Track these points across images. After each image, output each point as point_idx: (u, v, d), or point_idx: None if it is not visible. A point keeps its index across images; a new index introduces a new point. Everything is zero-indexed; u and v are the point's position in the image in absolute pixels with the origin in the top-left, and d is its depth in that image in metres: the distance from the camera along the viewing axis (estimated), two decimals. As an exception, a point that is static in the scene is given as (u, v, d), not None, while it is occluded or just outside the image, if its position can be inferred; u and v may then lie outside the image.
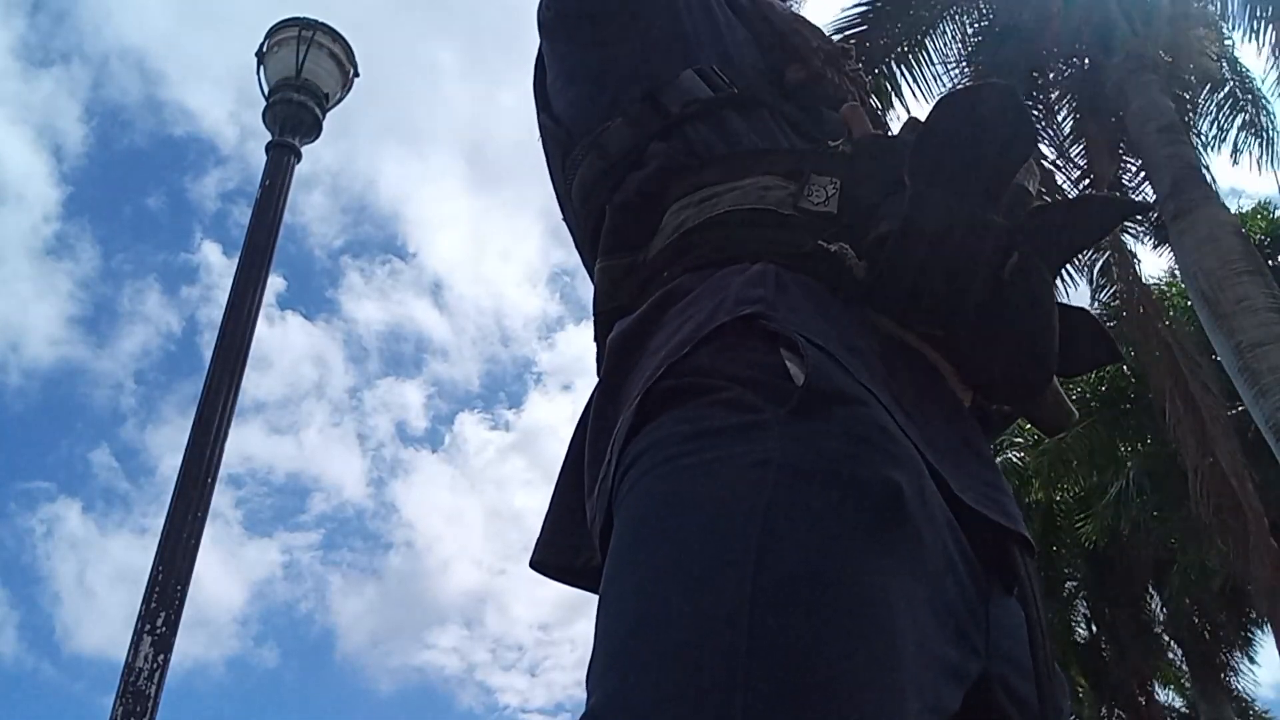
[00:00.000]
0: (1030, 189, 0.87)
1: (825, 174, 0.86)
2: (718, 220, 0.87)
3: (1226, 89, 9.31)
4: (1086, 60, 8.97)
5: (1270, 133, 9.30)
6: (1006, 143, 0.80)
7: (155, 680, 3.37)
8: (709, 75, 0.97)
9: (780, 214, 0.85)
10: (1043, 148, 9.13)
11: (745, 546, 0.61)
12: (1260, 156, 9.39)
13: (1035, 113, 9.15)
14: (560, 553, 0.86)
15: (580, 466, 0.84)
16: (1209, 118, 9.44)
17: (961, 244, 0.76)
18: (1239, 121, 9.35)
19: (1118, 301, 8.84)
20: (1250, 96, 9.28)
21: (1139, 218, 9.32)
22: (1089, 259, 9.28)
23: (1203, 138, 9.31)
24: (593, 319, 0.96)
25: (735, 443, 0.68)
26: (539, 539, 0.88)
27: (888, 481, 0.66)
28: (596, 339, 0.95)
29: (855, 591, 0.61)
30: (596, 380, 0.88)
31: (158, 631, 3.45)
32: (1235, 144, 9.41)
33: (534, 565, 0.88)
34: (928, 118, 0.82)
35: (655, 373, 0.75)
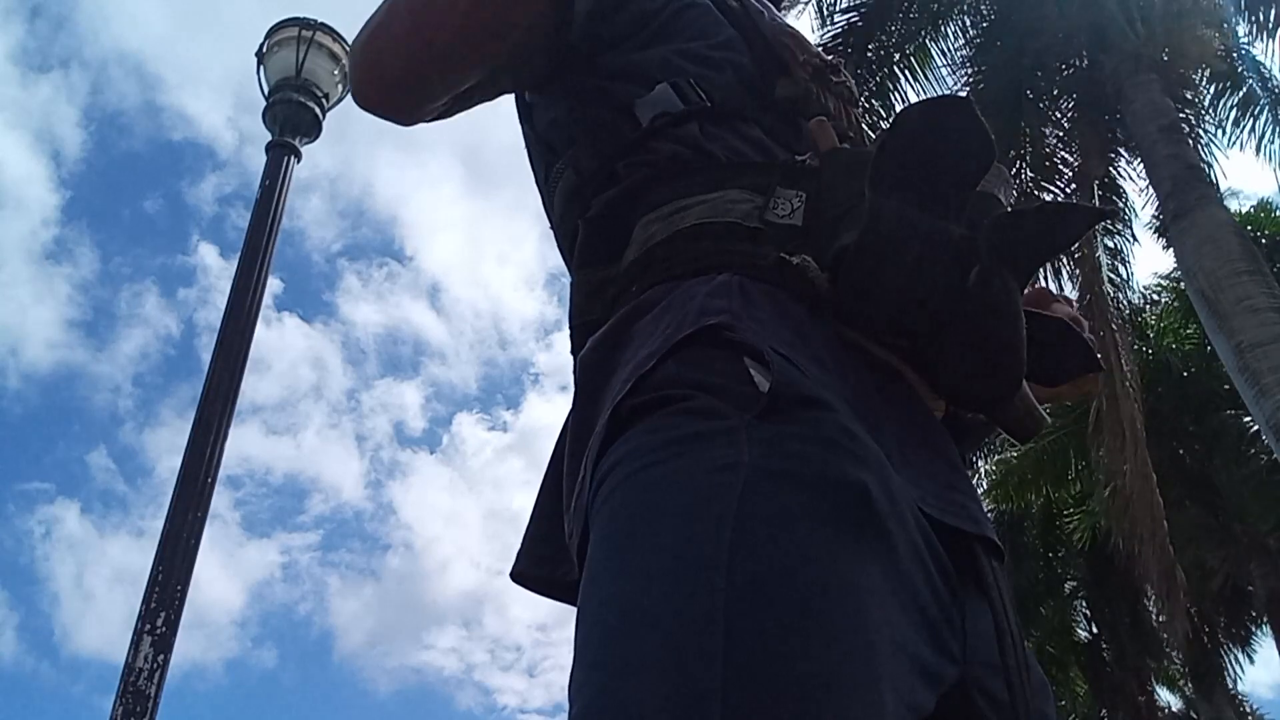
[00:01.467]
0: (1001, 197, 0.87)
1: (792, 187, 0.86)
2: (684, 233, 0.87)
3: (1245, 89, 9.25)
4: (1086, 60, 8.96)
5: None
6: (965, 155, 0.81)
7: (155, 680, 3.38)
8: (683, 88, 0.97)
9: (746, 227, 0.85)
10: (1041, 147, 9.15)
11: (717, 550, 0.62)
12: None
13: (1041, 106, 9.15)
14: (540, 564, 0.87)
15: (559, 480, 0.85)
16: (1226, 117, 9.38)
17: (920, 254, 0.76)
18: (1263, 119, 9.27)
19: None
20: (1272, 95, 9.21)
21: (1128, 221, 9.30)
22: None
23: (1219, 136, 9.26)
24: (569, 332, 0.97)
25: (703, 448, 0.68)
26: (520, 550, 0.89)
27: (855, 482, 0.66)
28: (573, 352, 0.95)
29: (828, 590, 0.61)
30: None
31: (158, 631, 3.45)
32: (1260, 141, 9.32)
33: (514, 577, 0.89)
34: (887, 130, 0.82)
35: (623, 388, 0.76)
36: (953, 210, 0.80)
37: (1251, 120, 9.29)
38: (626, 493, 0.70)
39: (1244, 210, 12.30)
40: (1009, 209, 0.87)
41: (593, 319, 0.91)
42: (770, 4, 1.17)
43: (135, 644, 3.42)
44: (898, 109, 8.95)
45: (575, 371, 0.90)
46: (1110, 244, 9.18)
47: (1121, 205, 9.30)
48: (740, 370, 0.73)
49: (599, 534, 0.71)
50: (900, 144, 0.79)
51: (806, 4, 9.11)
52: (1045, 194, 9.11)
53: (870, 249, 0.77)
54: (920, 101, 0.84)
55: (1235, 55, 9.07)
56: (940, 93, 9.13)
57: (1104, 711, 15.06)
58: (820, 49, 1.11)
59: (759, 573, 0.61)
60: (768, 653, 0.58)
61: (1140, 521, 8.11)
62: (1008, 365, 0.81)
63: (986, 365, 0.81)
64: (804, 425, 0.69)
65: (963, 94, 9.10)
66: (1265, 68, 9.10)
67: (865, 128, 1.09)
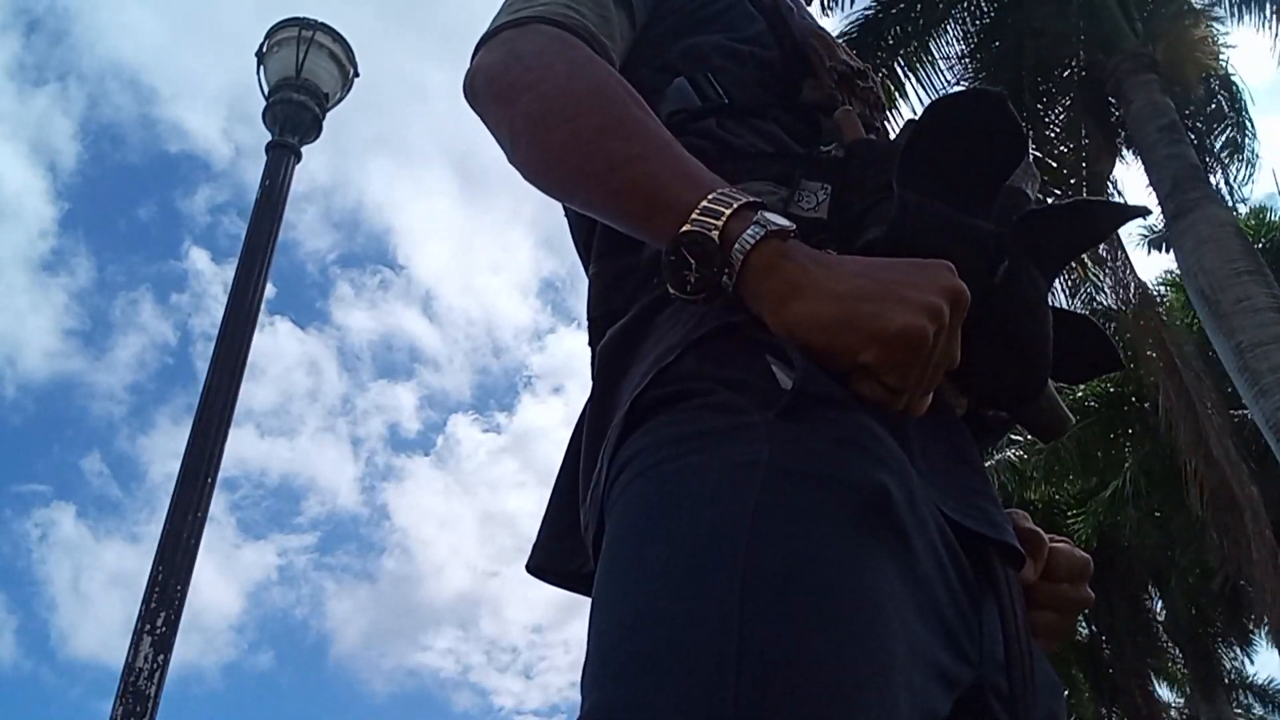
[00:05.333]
0: (1029, 192, 0.86)
1: (817, 179, 0.85)
2: None
3: (1214, 105, 9.31)
4: (1086, 60, 8.96)
5: (1250, 153, 9.31)
6: (995, 149, 0.80)
7: (155, 680, 3.37)
8: (700, 84, 0.95)
9: None
10: (1042, 147, 9.15)
11: (734, 547, 0.61)
12: (1238, 175, 9.40)
13: (1038, 108, 9.15)
14: (556, 557, 0.87)
15: (576, 473, 0.85)
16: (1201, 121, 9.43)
17: (948, 250, 0.75)
18: (1223, 139, 9.35)
19: (1118, 303, 8.84)
20: (1235, 114, 9.28)
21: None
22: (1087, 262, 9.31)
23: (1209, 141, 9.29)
24: (587, 324, 0.96)
25: (723, 445, 0.68)
26: (535, 543, 0.89)
27: (875, 484, 0.66)
28: (590, 344, 0.94)
29: (845, 592, 0.61)
30: (590, 385, 0.88)
31: (158, 631, 3.45)
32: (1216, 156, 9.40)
33: (530, 569, 0.89)
34: (917, 122, 0.80)
35: (643, 380, 0.75)
36: (982, 205, 0.79)
37: (1211, 139, 9.36)
38: (644, 486, 0.69)
39: (1239, 216, 12.31)
40: (1035, 204, 0.86)
41: (612, 310, 0.90)
42: (800, 1, 1.16)
43: (135, 644, 3.42)
44: (898, 108, 9.02)
45: (594, 362, 0.89)
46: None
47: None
48: (763, 367, 0.73)
49: (614, 527, 0.71)
50: (930, 137, 0.78)
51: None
52: (1049, 197, 9.13)
53: (898, 245, 0.75)
54: (952, 94, 0.83)
55: (1215, 74, 9.11)
56: (940, 91, 9.14)
57: (1104, 711, 15.06)
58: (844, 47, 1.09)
59: (775, 573, 0.60)
60: (781, 654, 0.57)
61: (1244, 512, 7.77)
62: (1035, 363, 0.81)
63: (1014, 363, 0.80)
64: (826, 425, 0.68)
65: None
66: (1236, 86, 9.16)
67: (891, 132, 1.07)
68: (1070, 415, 0.91)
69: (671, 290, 0.73)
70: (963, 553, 0.73)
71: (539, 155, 0.85)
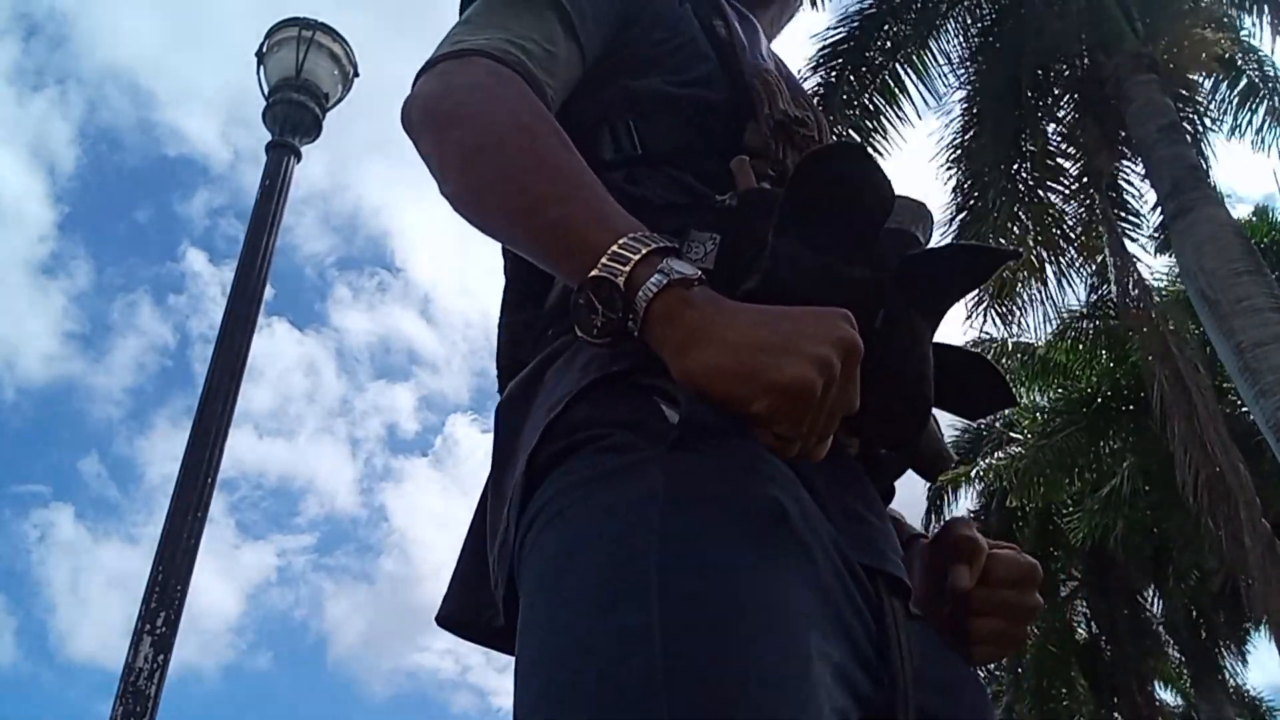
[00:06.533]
0: (919, 235, 0.88)
1: (706, 229, 0.85)
2: None
3: (1245, 81, 9.27)
4: (1086, 60, 8.96)
5: None
6: (862, 200, 0.81)
7: (155, 680, 3.37)
8: (618, 134, 0.95)
9: None
10: (1042, 146, 9.15)
11: (645, 575, 0.64)
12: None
13: (1038, 108, 9.14)
14: (467, 608, 0.87)
15: (484, 524, 0.86)
16: (1228, 110, 9.39)
17: (823, 298, 0.76)
18: (1263, 110, 9.30)
19: (1115, 296, 8.82)
20: (1273, 84, 9.23)
21: (1136, 217, 9.30)
22: (1081, 259, 9.30)
23: (1216, 132, 9.27)
24: (496, 375, 0.97)
25: (623, 482, 0.70)
26: (446, 594, 0.89)
27: (770, 499, 0.69)
28: (499, 393, 0.95)
29: (757, 598, 0.64)
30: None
31: (158, 631, 3.45)
32: (1261, 133, 9.36)
33: (439, 620, 0.89)
34: (791, 176, 0.81)
35: (535, 434, 0.77)
36: (858, 253, 0.80)
37: (1250, 114, 9.31)
38: (552, 534, 0.72)
39: (1239, 216, 12.28)
40: (925, 248, 0.87)
41: (519, 361, 0.91)
42: (763, 29, 1.15)
43: (135, 644, 3.42)
44: (899, 106, 9.00)
45: (495, 418, 0.89)
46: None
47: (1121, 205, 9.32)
48: (652, 407, 0.75)
49: (530, 575, 0.73)
50: (802, 189, 0.80)
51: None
52: (1048, 194, 9.13)
53: (771, 294, 0.77)
54: (818, 148, 0.86)
55: (1237, 50, 9.06)
56: (941, 93, 9.16)
57: (1104, 711, 15.06)
58: (818, 58, 1.07)
59: (688, 591, 0.63)
60: (706, 671, 0.60)
61: (1238, 502, 7.62)
62: (915, 405, 0.83)
63: (894, 405, 0.82)
64: (716, 452, 0.71)
65: (959, 94, 9.14)
66: (1268, 58, 9.11)
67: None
68: (952, 455, 0.94)
69: (580, 333, 0.75)
70: (866, 579, 0.75)
71: (465, 190, 0.86)
